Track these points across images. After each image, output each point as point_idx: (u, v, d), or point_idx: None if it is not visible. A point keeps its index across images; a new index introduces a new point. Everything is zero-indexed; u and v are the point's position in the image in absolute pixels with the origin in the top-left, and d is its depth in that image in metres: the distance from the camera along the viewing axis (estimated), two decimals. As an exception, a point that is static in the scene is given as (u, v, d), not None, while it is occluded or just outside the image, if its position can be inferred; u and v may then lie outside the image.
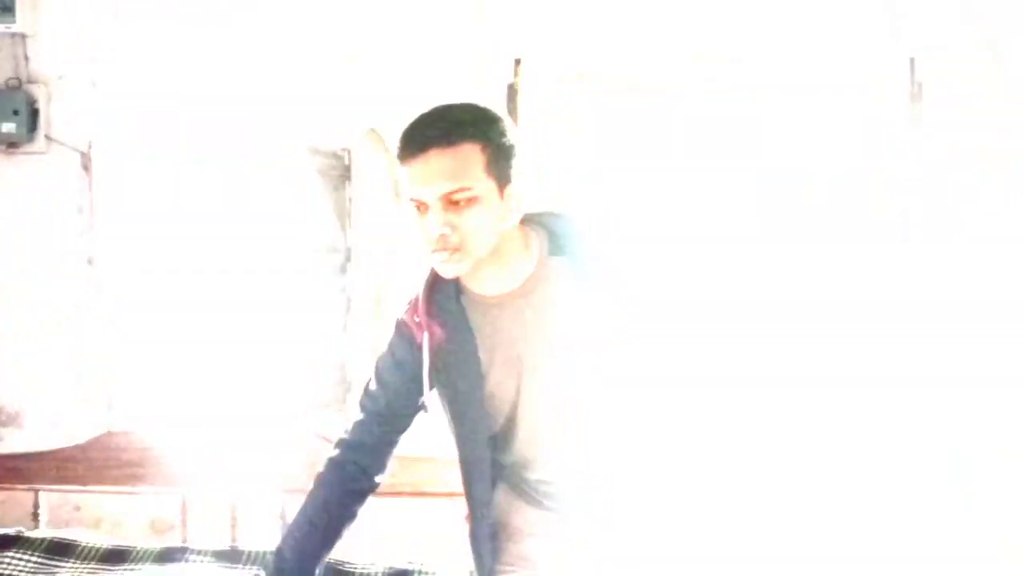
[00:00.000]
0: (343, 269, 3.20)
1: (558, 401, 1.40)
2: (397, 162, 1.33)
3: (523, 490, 1.52)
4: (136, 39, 3.10)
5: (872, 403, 2.81)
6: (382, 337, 1.81)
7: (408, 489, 2.12)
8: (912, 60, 2.51)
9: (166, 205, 3.37)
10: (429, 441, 2.62)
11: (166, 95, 3.11)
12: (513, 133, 1.36)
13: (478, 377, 1.40)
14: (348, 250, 3.19)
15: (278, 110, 3.09)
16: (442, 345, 1.41)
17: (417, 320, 1.42)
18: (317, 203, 3.20)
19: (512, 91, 2.95)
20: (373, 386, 1.54)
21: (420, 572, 2.18)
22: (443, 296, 1.41)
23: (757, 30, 2.90)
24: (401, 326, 1.48)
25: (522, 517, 1.52)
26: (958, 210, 2.80)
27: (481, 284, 1.39)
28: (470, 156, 1.28)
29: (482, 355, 1.40)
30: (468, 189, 1.28)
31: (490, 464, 1.46)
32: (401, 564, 2.19)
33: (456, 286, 1.41)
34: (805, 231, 3.05)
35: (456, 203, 1.28)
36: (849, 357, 2.86)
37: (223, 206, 3.47)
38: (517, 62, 2.95)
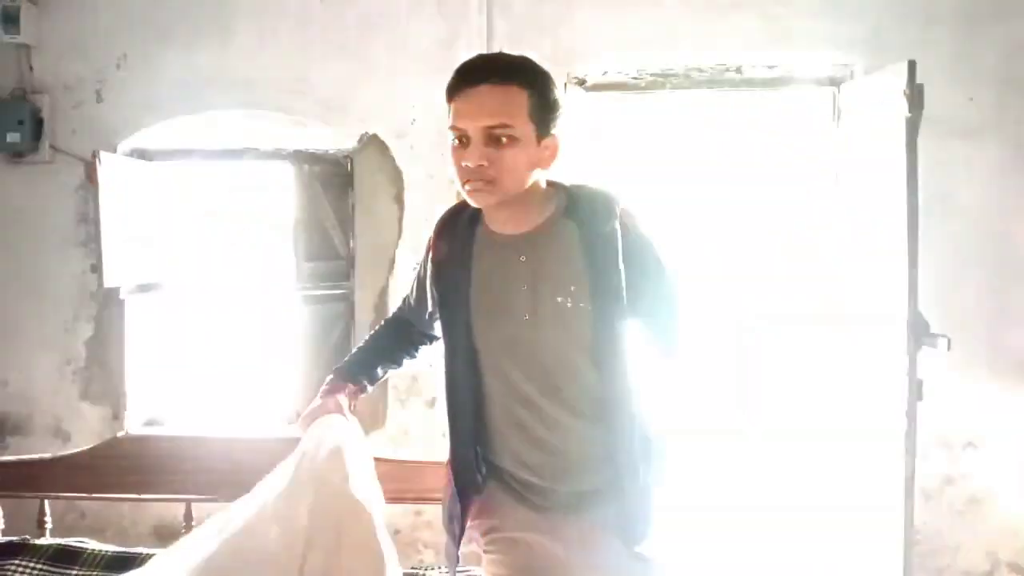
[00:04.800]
0: (346, 275, 3.21)
1: (531, 350, 1.47)
2: (445, 99, 1.45)
3: (511, 488, 1.52)
4: (140, 49, 3.12)
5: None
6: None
7: (412, 495, 2.11)
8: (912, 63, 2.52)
9: (170, 214, 3.40)
10: (434, 446, 2.63)
11: (169, 105, 3.13)
12: (559, 92, 1.46)
13: (465, 292, 1.50)
14: (351, 256, 3.20)
15: (281, 117, 3.11)
16: (443, 260, 1.54)
17: (431, 238, 1.58)
18: (320, 210, 3.21)
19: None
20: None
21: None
22: (459, 221, 1.54)
23: (751, 33, 2.92)
24: (427, 242, 1.61)
25: (509, 515, 1.52)
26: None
27: (496, 222, 1.49)
28: (516, 98, 1.39)
29: (473, 278, 1.50)
30: (510, 127, 1.38)
31: (473, 393, 1.51)
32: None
33: (473, 217, 1.52)
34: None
35: (496, 140, 1.38)
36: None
37: (226, 214, 3.49)
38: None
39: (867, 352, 2.66)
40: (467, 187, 1.42)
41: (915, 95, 2.35)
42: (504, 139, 1.38)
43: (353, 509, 1.53)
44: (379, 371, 1.75)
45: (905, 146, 2.36)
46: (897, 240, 2.41)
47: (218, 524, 1.62)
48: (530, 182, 1.44)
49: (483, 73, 1.40)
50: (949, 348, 2.34)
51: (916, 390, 2.36)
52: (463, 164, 1.41)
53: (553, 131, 1.44)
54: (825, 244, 3.00)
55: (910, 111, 2.35)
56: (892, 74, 2.46)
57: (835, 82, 2.93)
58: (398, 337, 1.77)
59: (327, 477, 1.55)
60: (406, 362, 1.78)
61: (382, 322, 1.86)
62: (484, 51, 2.94)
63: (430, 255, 1.58)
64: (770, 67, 2.98)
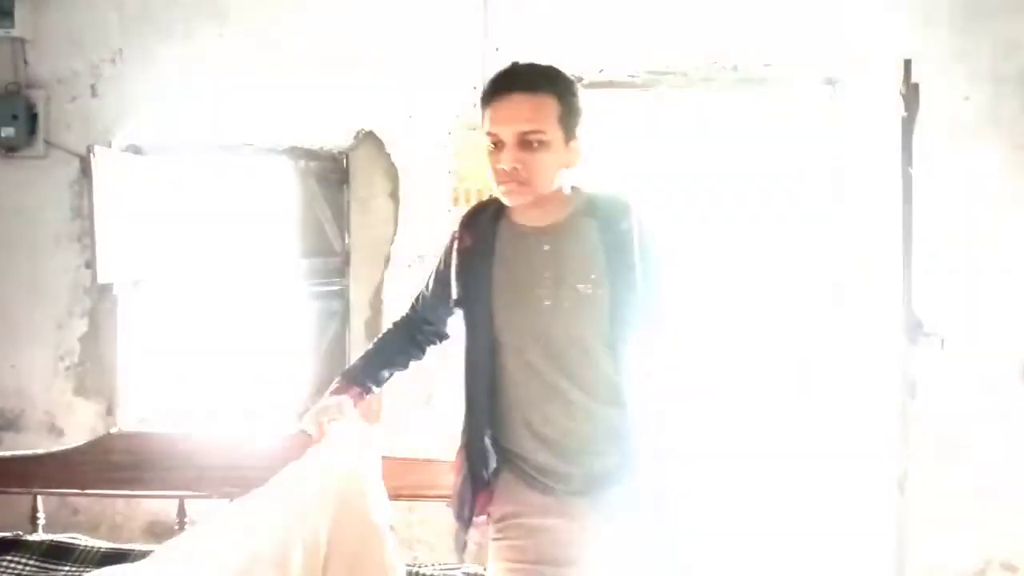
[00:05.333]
0: (342, 272, 3.21)
1: (551, 334, 1.56)
2: (480, 105, 1.55)
3: (526, 473, 1.59)
4: (136, 44, 3.11)
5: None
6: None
7: (407, 492, 2.11)
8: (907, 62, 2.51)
9: (164, 209, 3.39)
10: (429, 445, 2.63)
11: (165, 99, 3.12)
12: (583, 100, 1.57)
13: (488, 280, 1.59)
14: (346, 252, 3.20)
15: (277, 115, 3.11)
16: (468, 249, 1.63)
17: (456, 230, 1.68)
18: (315, 206, 3.21)
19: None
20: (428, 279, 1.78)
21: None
22: (483, 215, 1.65)
23: (747, 32, 2.92)
24: (450, 235, 1.70)
25: (524, 501, 1.58)
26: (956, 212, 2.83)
27: (523, 216, 1.60)
28: (547, 105, 1.50)
29: (496, 266, 1.59)
30: (541, 132, 1.49)
31: (491, 379, 1.60)
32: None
33: (497, 212, 1.62)
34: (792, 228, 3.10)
35: (529, 144, 1.49)
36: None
37: (222, 210, 3.48)
38: (514, 65, 2.96)
39: (861, 350, 2.67)
40: (502, 188, 1.53)
41: (911, 94, 2.36)
42: (536, 143, 1.49)
43: (370, 534, 1.59)
44: (385, 373, 1.80)
45: (900, 145, 2.36)
46: (892, 238, 2.41)
47: (231, 527, 1.59)
48: (558, 182, 1.55)
49: (516, 82, 1.51)
50: (943, 347, 2.35)
51: (910, 389, 2.37)
52: (498, 167, 1.51)
53: (578, 134, 1.55)
54: (820, 242, 3.00)
55: (906, 110, 2.35)
56: (888, 72, 2.46)
57: (831, 81, 2.93)
58: (405, 339, 1.83)
59: (346, 499, 1.59)
60: (413, 364, 1.84)
61: (391, 324, 1.90)
62: (481, 47, 2.95)
63: (455, 245, 1.66)
64: (766, 65, 2.98)
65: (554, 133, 1.50)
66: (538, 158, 1.49)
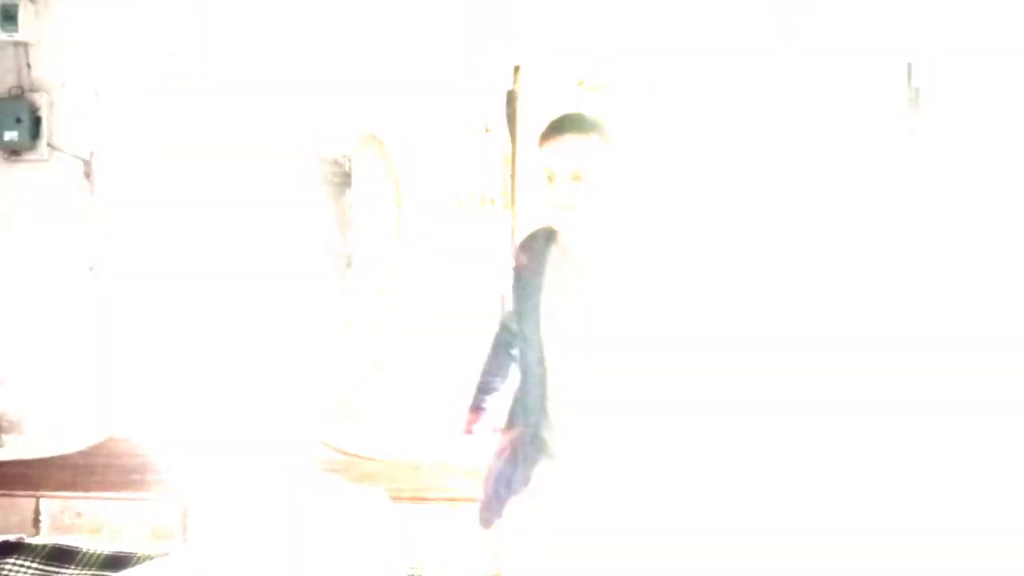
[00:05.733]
0: (344, 275, 3.21)
1: (585, 342, 1.81)
2: (537, 145, 1.84)
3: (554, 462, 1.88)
4: (138, 47, 3.12)
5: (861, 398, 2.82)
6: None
7: (409, 494, 2.12)
8: (909, 65, 2.52)
9: (167, 212, 3.39)
10: (427, 446, 2.64)
11: (168, 103, 3.13)
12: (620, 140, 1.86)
13: (538, 294, 1.87)
14: (349, 256, 3.20)
15: (279, 117, 3.11)
16: (523, 266, 1.94)
17: (516, 250, 1.99)
18: (318, 209, 3.21)
19: (511, 97, 2.97)
20: None
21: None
22: (537, 238, 1.95)
23: (756, 36, 2.92)
24: (512, 255, 2.07)
25: (546, 481, 1.85)
26: (955, 215, 2.82)
27: (570, 238, 1.86)
28: (594, 145, 1.78)
29: (545, 282, 1.87)
30: (588, 167, 1.77)
31: (540, 376, 1.87)
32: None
33: (548, 236, 1.91)
34: (802, 235, 3.08)
35: (578, 177, 1.77)
36: (844, 353, 2.87)
37: (224, 214, 3.49)
38: (516, 68, 2.97)
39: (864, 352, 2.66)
40: (555, 215, 1.81)
41: (913, 96, 2.36)
42: (584, 177, 1.76)
43: None
44: (497, 387, 2.07)
45: (903, 148, 2.37)
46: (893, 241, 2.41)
47: None
48: (602, 210, 1.80)
49: (568, 125, 1.81)
50: (942, 349, 2.34)
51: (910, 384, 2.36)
52: (552, 196, 1.79)
53: (618, 168, 1.81)
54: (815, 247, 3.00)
55: (908, 112, 2.36)
56: (889, 75, 2.46)
57: (829, 83, 2.92)
58: (500, 352, 2.10)
59: None
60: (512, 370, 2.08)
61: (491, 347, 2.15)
62: (479, 49, 2.96)
63: (514, 264, 1.98)
64: (763, 68, 2.97)
65: (599, 168, 1.77)
66: (586, 189, 1.76)
